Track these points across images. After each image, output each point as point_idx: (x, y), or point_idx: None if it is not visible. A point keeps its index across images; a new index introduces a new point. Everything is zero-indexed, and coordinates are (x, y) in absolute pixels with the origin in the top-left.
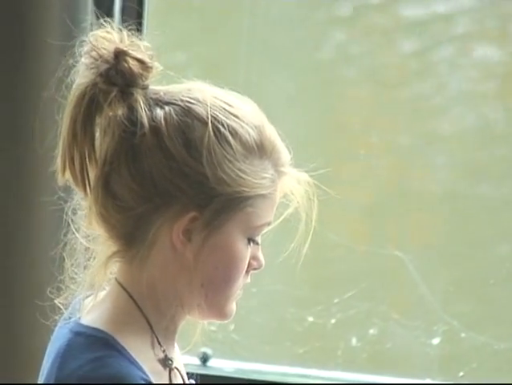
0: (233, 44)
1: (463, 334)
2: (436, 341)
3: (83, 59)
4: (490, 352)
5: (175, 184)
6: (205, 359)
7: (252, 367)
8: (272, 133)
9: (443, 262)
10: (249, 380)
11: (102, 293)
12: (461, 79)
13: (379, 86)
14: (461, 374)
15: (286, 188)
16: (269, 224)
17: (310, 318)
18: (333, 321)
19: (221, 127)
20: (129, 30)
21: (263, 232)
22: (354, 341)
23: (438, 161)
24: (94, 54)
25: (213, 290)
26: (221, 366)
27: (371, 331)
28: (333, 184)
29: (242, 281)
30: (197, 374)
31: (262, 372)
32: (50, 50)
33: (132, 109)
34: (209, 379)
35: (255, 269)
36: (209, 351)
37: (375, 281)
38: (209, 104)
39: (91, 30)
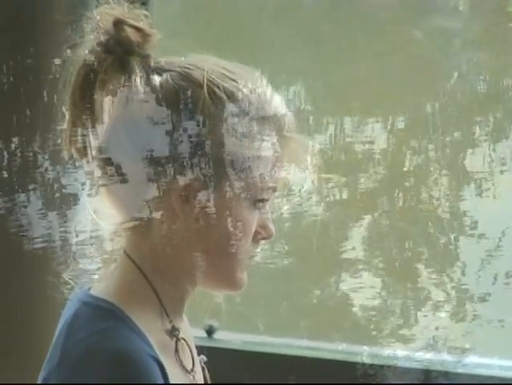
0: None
1: (468, 307)
2: (442, 313)
3: (89, 36)
4: (497, 324)
5: (169, 149)
6: (211, 332)
7: (258, 340)
8: (274, 98)
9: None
10: (255, 353)
11: (112, 265)
12: None
13: None
14: (468, 346)
15: (292, 152)
16: (274, 189)
17: (317, 292)
18: (339, 294)
19: (216, 89)
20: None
21: (269, 197)
22: (360, 314)
23: None
24: (98, 29)
25: (218, 257)
26: (228, 338)
27: (378, 304)
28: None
29: (251, 249)
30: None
31: (268, 345)
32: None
33: (129, 77)
34: (215, 352)
35: (264, 238)
36: (215, 324)
37: (381, 255)
38: (206, 69)
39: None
